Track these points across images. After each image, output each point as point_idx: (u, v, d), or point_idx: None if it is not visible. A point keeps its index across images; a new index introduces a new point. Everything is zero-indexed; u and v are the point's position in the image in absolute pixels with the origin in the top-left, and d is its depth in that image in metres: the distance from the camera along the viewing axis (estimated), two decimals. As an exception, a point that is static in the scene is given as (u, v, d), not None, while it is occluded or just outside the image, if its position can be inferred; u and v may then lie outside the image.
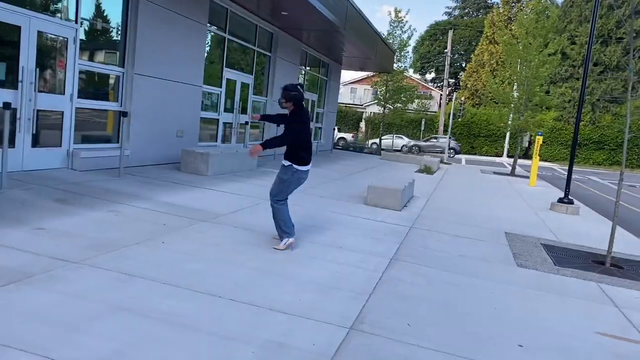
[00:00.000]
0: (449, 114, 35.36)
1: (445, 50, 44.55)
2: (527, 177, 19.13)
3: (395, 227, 7.31)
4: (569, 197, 11.45)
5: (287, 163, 5.31)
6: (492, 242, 7.13)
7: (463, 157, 35.64)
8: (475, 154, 40.72)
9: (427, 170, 17.19)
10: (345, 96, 51.25)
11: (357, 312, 3.90)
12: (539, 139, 17.37)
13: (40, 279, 3.74)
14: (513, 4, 49.24)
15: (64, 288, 3.63)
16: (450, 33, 41.41)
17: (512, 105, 21.29)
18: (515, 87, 22.07)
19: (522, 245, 7.13)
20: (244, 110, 14.58)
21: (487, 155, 40.04)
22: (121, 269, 4.16)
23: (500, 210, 10.49)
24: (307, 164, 5.43)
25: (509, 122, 22.00)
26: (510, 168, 22.96)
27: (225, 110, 13.62)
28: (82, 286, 3.71)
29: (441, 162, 22.21)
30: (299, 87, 5.43)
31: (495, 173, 21.28)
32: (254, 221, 6.50)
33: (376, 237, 6.54)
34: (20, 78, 7.37)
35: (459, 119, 36.26)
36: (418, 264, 5.50)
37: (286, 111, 5.49)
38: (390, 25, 29.39)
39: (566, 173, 12.07)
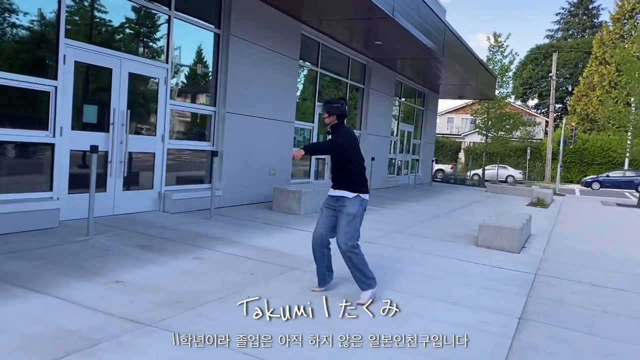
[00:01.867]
0: (558, 141, 32.82)
1: (550, 74, 41.93)
2: (659, 209, 16.83)
3: (516, 275, 6.21)
4: None
5: (351, 195, 4.58)
6: (641, 293, 5.82)
7: (576, 187, 32.77)
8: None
9: (540, 203, 15.58)
10: (442, 126, 49.65)
11: (487, 401, 2.97)
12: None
13: (104, 348, 3.20)
14: (625, 21, 45.64)
15: (128, 361, 3.06)
16: (555, 56, 38.90)
17: (632, 127, 19.05)
18: (633, 108, 19.82)
19: (681, 297, 5.75)
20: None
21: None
22: (198, 333, 3.54)
23: (637, 250, 8.92)
24: (368, 191, 4.75)
25: (628, 147, 19.73)
26: (634, 199, 20.49)
27: (319, 145, 13.13)
28: (150, 359, 3.12)
29: (554, 193, 20.27)
30: (342, 100, 4.83)
31: (619, 205, 18.97)
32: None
33: (495, 288, 5.51)
34: (111, 120, 7.27)
35: (570, 146, 33.50)
36: (555, 326, 4.42)
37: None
38: (490, 50, 27.99)
39: None
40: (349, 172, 4.64)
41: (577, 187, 32.66)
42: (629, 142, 19.57)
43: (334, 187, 4.69)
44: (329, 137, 4.75)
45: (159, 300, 4.16)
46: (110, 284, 4.48)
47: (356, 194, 4.57)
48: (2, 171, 6.12)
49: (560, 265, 7.01)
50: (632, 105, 20.22)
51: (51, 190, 6.59)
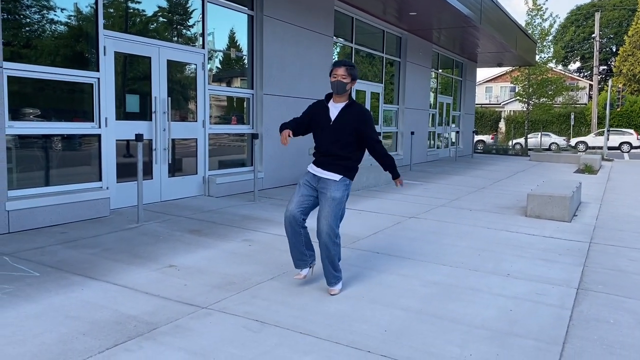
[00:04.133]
0: (604, 105, 31.57)
1: (593, 35, 40.24)
2: None
3: (570, 244, 6.03)
4: None
5: (338, 177, 4.03)
6: None
7: (625, 153, 31.54)
8: (638, 147, 35.94)
9: (588, 169, 15.07)
10: (480, 96, 48.46)
11: (552, 374, 2.90)
12: None
13: (163, 332, 3.27)
14: (672, -27, 43.16)
15: (189, 344, 3.11)
16: (597, 15, 37.23)
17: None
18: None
19: None
20: (374, 121, 13.87)
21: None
22: (253, 315, 3.58)
23: (698, 213, 8.52)
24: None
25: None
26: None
27: (357, 122, 13.00)
28: (208, 341, 3.17)
29: (602, 158, 19.57)
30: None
31: (672, 167, 18.20)
32: (397, 245, 5.68)
33: (548, 259, 5.36)
34: (153, 109, 7.37)
35: (617, 109, 32.15)
36: (615, 295, 4.27)
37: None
38: (528, 14, 26.97)
39: None
40: (358, 157, 4.18)
41: (625, 153, 31.44)
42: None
43: (323, 167, 4.08)
44: (341, 107, 4.08)
45: (212, 283, 4.23)
46: (163, 268, 4.57)
47: (343, 177, 4.05)
48: (53, 163, 6.30)
49: (615, 232, 6.77)
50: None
51: (100, 180, 6.76)
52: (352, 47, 12.67)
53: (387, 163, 4.30)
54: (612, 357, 3.14)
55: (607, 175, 14.56)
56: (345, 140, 4.03)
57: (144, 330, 3.28)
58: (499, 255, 5.41)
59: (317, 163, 4.14)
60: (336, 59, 12.31)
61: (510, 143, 33.70)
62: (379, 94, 14.17)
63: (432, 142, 18.54)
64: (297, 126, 4.16)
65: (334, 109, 4.09)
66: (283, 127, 4.12)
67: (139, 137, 6.11)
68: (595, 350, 3.22)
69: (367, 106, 13.44)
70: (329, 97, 4.17)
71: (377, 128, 13.92)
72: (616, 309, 3.94)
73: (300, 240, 4.13)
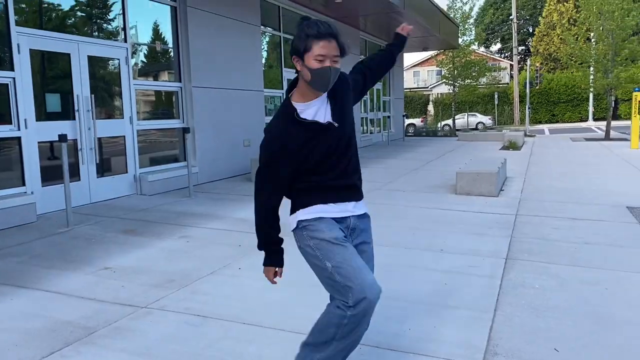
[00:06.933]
0: (524, 84, 33.15)
1: (510, 17, 42.01)
2: (626, 140, 17.28)
3: (497, 217, 6.34)
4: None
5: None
6: (617, 222, 6.01)
7: (545, 127, 33.31)
8: (557, 121, 38.07)
9: (512, 146, 15.83)
10: (408, 81, 49.63)
11: (484, 340, 3.07)
12: (637, 95, 15.53)
13: (102, 335, 3.19)
14: (579, -44, 45.67)
15: (130, 345, 3.05)
16: (514, -2, 38.90)
17: (594, 62, 19.30)
18: (594, 43, 20.05)
19: (656, 221, 5.97)
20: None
21: (570, 122, 37.27)
22: (194, 310, 3.55)
23: (610, 181, 9.17)
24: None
25: (591, 82, 20.03)
26: (601, 132, 20.96)
27: (290, 111, 13.00)
28: (149, 340, 3.12)
29: (525, 135, 20.58)
30: None
31: (587, 139, 19.41)
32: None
33: (479, 232, 5.63)
34: (76, 107, 7.07)
35: (536, 87, 33.86)
36: (540, 262, 4.55)
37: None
38: (449, -1, 27.86)
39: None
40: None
41: (546, 127, 33.21)
42: (591, 77, 19.84)
43: (355, 197, 2.43)
44: (325, 97, 2.29)
45: (150, 282, 4.15)
46: (99, 271, 4.43)
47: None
48: (-30, 171, 5.94)
49: (539, 203, 7.18)
50: (592, 40, 20.43)
51: (24, 184, 6.44)
52: (280, 36, 12.63)
53: (392, 46, 2.99)
54: (539, 319, 3.35)
55: (530, 151, 15.35)
56: (353, 136, 2.39)
57: (81, 335, 3.19)
58: (432, 233, 5.61)
59: (338, 195, 2.36)
60: (266, 48, 12.21)
61: (439, 125, 34.80)
62: (309, 82, 14.21)
63: (364, 127, 18.83)
64: (279, 195, 2.42)
65: (318, 107, 2.27)
66: (267, 241, 2.60)
67: (62, 137, 5.86)
68: (524, 314, 3.43)
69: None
70: (291, 90, 2.33)
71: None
72: (541, 275, 4.20)
73: None
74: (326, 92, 2.29)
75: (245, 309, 3.56)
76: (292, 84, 2.34)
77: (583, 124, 34.28)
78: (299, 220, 2.37)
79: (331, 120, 2.27)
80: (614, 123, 22.79)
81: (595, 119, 35.95)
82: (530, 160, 12.61)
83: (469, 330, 3.19)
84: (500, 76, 45.88)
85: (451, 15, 25.78)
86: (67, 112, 7.03)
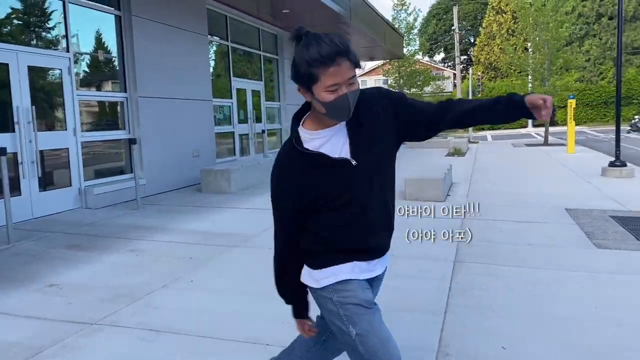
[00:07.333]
0: (467, 92, 34.26)
1: (453, 28, 43.36)
2: (563, 145, 18.13)
3: (445, 222, 6.52)
4: (621, 159, 10.51)
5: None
6: (558, 223, 6.31)
7: (488, 134, 34.48)
8: (499, 128, 39.44)
9: (457, 152, 16.32)
10: (356, 90, 50.19)
11: (436, 341, 3.16)
12: (572, 103, 16.36)
13: (50, 355, 3.08)
14: (515, -30, 47.72)
15: (79, 363, 2.97)
16: (455, 9, 40.22)
17: (531, 71, 20.23)
18: (531, 53, 21.02)
19: (591, 222, 6.29)
20: (258, 119, 13.93)
21: (511, 129, 38.74)
22: (147, 325, 3.49)
23: (550, 184, 9.60)
24: None
25: (529, 90, 20.95)
26: (540, 138, 21.91)
27: (240, 121, 12.97)
28: (101, 358, 3.04)
29: (469, 141, 21.25)
30: None
31: (528, 145, 20.25)
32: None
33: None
34: (15, 119, 6.80)
35: (478, 95, 35.08)
36: (487, 263, 4.72)
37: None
38: (394, 9, 28.56)
39: (599, 135, 11.15)
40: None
41: (489, 134, 34.38)
42: (530, 85, 20.76)
43: (384, 247, 2.07)
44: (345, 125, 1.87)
45: (99, 298, 4.04)
46: (44, 288, 4.28)
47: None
48: None
49: (483, 207, 7.42)
50: (530, 50, 21.41)
51: (-41, 201, 6.13)
52: (228, 46, 12.58)
53: (495, 102, 1.89)
54: (487, 319, 3.48)
55: (474, 157, 15.86)
56: (385, 177, 1.98)
57: (27, 355, 3.07)
58: (383, 239, 5.70)
59: (365, 254, 1.98)
60: (214, 58, 12.12)
61: (387, 132, 35.34)
62: (259, 91, 14.21)
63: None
64: (293, 242, 2.03)
65: (329, 138, 1.86)
66: (291, 300, 2.15)
67: (1, 151, 5.62)
68: (473, 314, 3.56)
69: (249, 104, 13.43)
70: (298, 121, 1.93)
71: (261, 125, 13.97)
72: (489, 276, 4.36)
73: None
74: (344, 122, 1.84)
75: (199, 322, 3.52)
76: (304, 107, 1.92)
77: (523, 130, 35.68)
78: (323, 287, 1.93)
79: (348, 157, 1.82)
80: (551, 129, 23.87)
81: (534, 125, 37.42)
82: (474, 166, 13.03)
83: (421, 332, 3.28)
84: (444, 85, 47.19)
85: (396, 26, 26.40)
86: (6, 124, 6.75)
